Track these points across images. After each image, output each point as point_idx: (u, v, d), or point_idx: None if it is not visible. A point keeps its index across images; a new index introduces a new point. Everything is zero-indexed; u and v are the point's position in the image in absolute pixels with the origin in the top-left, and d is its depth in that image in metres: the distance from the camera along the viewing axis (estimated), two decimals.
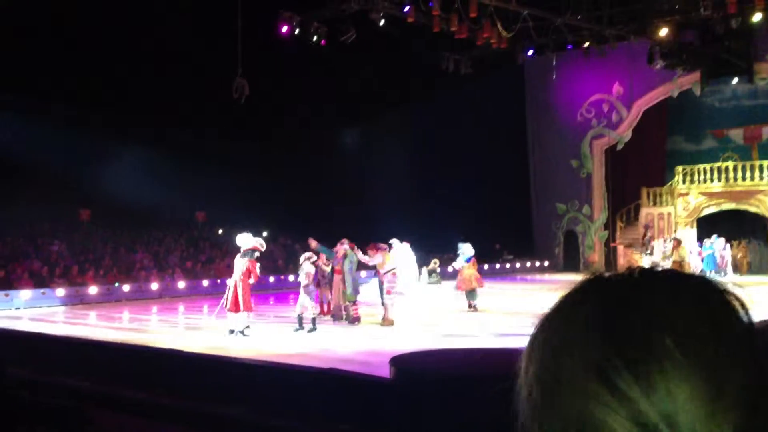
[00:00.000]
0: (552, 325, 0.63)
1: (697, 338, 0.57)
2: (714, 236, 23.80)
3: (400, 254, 14.29)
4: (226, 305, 11.85)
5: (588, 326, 0.59)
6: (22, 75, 19.46)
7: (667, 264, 20.19)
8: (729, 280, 22.18)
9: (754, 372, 0.57)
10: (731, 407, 0.56)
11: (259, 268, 12.14)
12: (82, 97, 20.46)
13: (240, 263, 11.83)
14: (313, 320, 12.36)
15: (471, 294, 15.38)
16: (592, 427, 0.57)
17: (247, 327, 11.92)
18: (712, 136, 28.39)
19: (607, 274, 0.65)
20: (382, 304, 13.46)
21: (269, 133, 23.99)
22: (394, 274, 13.40)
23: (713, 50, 21.66)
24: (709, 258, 22.66)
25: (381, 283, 13.57)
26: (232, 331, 11.82)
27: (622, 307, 0.59)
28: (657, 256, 21.51)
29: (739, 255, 25.23)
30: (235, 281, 11.74)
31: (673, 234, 23.60)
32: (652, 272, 0.64)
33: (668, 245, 20.63)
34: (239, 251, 12.01)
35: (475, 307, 15.35)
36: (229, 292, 11.77)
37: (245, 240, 12.05)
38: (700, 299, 0.60)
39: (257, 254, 12.02)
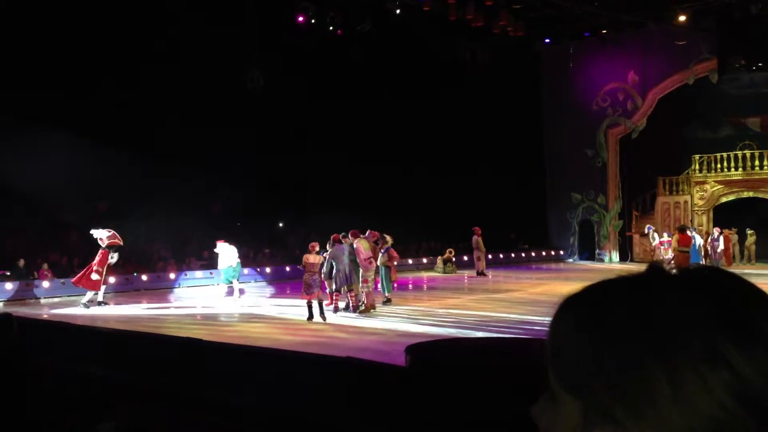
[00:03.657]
0: (628, 316, 0.64)
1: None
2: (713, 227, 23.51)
3: (225, 252, 15.62)
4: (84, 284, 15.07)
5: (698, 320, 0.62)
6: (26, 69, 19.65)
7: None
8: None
9: None
10: None
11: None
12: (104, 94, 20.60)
13: (100, 252, 15.16)
14: (310, 309, 12.52)
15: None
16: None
17: (91, 302, 15.03)
18: (730, 124, 28.11)
19: (674, 271, 0.68)
20: (349, 291, 13.54)
21: (284, 125, 24.04)
22: (370, 262, 13.48)
23: (731, 36, 21.41)
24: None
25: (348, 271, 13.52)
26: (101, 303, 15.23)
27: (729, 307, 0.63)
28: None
29: (748, 243, 24.87)
30: (92, 264, 15.09)
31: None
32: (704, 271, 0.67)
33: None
34: (98, 242, 15.27)
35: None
36: (87, 272, 15.08)
37: (101, 234, 15.32)
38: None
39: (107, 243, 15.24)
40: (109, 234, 15.43)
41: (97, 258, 15.19)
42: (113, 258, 15.53)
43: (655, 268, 0.68)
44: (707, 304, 0.63)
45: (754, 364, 0.60)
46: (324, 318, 12.48)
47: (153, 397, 8.01)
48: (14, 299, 16.36)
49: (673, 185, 27.48)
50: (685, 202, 26.88)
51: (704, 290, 0.64)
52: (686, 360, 0.61)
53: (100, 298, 15.44)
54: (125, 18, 20.34)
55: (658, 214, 27.38)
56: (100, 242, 15.37)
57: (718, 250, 20.82)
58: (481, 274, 21.70)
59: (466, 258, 25.88)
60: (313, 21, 20.24)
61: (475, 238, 21.72)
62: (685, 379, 0.60)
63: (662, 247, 21.66)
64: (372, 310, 13.39)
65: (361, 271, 13.40)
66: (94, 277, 15.08)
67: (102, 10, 19.98)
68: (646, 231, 23.85)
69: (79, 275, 15.40)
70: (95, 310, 14.76)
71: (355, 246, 13.44)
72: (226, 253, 16.06)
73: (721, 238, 21.73)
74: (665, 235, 22.31)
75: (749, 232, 24.97)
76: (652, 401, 0.61)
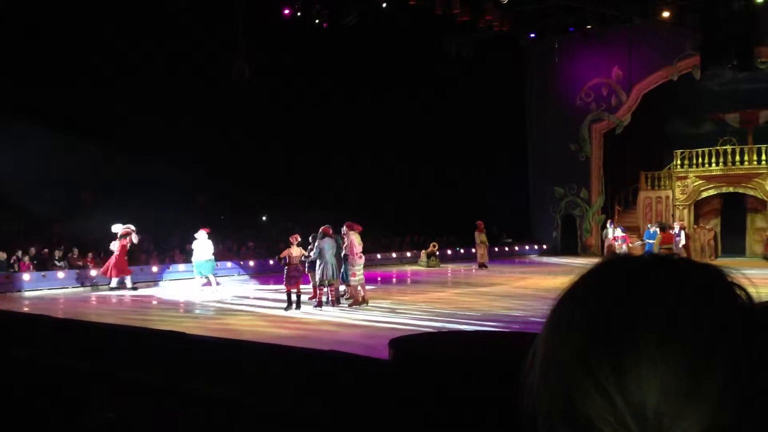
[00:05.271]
0: (558, 309, 0.63)
1: (681, 332, 0.56)
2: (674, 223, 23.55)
3: (203, 244, 15.95)
4: (108, 274, 16.97)
5: (585, 313, 0.60)
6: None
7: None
8: None
9: (746, 366, 0.56)
10: (709, 404, 0.55)
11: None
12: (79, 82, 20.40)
13: (115, 243, 16.89)
14: (289, 299, 12.92)
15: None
16: (573, 413, 0.58)
17: (129, 286, 17.06)
18: (711, 119, 28.41)
19: (619, 258, 0.65)
20: (347, 285, 13.68)
21: (270, 117, 23.95)
22: (360, 256, 13.56)
23: (713, 33, 21.57)
24: (648, 247, 19.94)
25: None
26: (113, 289, 16.89)
27: (619, 297, 0.59)
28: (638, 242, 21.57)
29: (708, 239, 24.97)
30: (114, 256, 16.88)
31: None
32: (661, 260, 0.63)
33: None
34: (115, 236, 17.00)
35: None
36: (110, 263, 16.98)
37: (117, 228, 17.09)
38: (698, 290, 0.59)
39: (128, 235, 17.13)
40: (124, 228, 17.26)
41: (118, 249, 16.99)
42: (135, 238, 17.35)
43: (601, 263, 0.66)
44: (599, 311, 0.60)
45: (623, 393, 0.56)
46: (299, 307, 12.75)
47: (137, 389, 8.01)
48: None
49: (654, 180, 27.73)
50: (667, 196, 27.14)
51: (606, 292, 0.61)
52: (578, 384, 0.58)
53: (129, 284, 17.22)
54: (109, 7, 20.15)
55: (640, 208, 27.61)
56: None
57: (680, 245, 20.83)
58: (480, 266, 22.11)
59: (449, 252, 25.99)
60: (299, 14, 20.17)
61: (476, 232, 22.16)
62: (574, 404, 0.58)
63: (616, 243, 21.78)
64: (364, 304, 13.44)
65: (351, 264, 13.40)
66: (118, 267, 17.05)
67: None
68: (608, 225, 23.94)
69: (105, 266, 17.28)
70: (78, 301, 14.69)
71: (349, 239, 13.45)
72: (204, 245, 16.07)
73: (683, 233, 21.77)
74: (619, 230, 22.39)
75: (707, 227, 25.15)
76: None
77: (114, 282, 17.06)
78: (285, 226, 24.17)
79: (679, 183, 26.81)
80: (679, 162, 26.87)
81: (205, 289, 16.06)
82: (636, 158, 27.44)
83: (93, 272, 18.31)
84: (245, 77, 18.92)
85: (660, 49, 25.63)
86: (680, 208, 26.70)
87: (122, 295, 16.37)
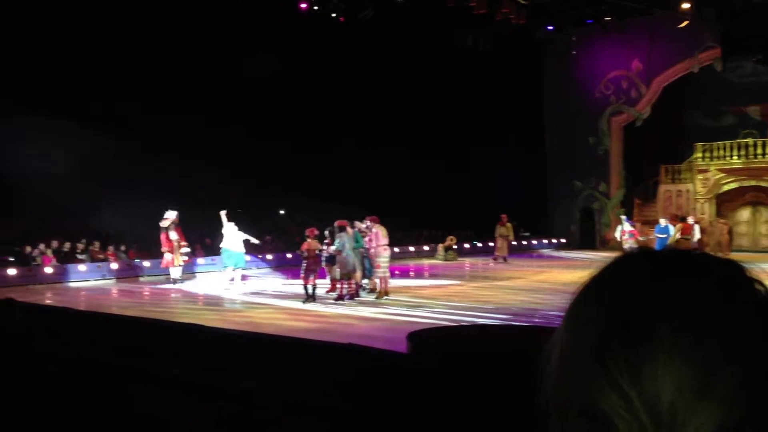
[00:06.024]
0: (575, 305, 0.63)
1: (698, 328, 0.56)
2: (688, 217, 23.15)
3: (234, 234, 15.88)
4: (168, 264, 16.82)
5: (601, 309, 0.60)
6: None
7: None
8: None
9: (762, 363, 0.55)
10: (723, 401, 0.54)
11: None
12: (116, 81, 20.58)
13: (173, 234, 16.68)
14: (307, 292, 13.26)
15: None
16: (588, 408, 0.58)
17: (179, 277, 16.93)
18: (732, 112, 28.07)
19: (637, 254, 0.64)
20: (369, 278, 14.04)
21: (285, 113, 24.02)
22: (385, 248, 13.67)
23: (732, 26, 21.28)
24: (659, 242, 19.33)
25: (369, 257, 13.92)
26: (174, 281, 16.70)
27: (635, 293, 0.59)
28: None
29: (722, 232, 24.58)
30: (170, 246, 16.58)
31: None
32: (679, 255, 0.62)
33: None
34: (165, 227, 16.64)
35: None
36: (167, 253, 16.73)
37: (170, 214, 16.77)
38: (717, 286, 0.58)
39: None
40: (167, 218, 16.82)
41: (163, 239, 16.77)
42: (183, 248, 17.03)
43: (619, 258, 0.66)
44: (616, 307, 0.60)
45: (638, 389, 0.56)
46: (314, 299, 13.11)
47: (162, 382, 8.10)
48: (17, 285, 16.45)
49: (675, 173, 27.48)
50: (688, 190, 26.88)
51: (623, 287, 0.61)
52: (593, 380, 0.58)
53: (173, 276, 16.81)
54: (120, 2, 20.30)
55: (660, 202, 27.39)
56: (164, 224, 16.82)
57: (694, 239, 20.49)
58: (496, 259, 22.28)
59: (467, 245, 25.96)
60: (315, 8, 20.20)
61: (498, 225, 22.28)
62: (590, 400, 0.58)
63: (624, 237, 21.53)
64: (386, 296, 13.59)
65: (375, 256, 13.63)
66: (167, 257, 16.75)
67: None
68: (622, 219, 23.53)
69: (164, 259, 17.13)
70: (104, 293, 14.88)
71: (373, 231, 13.70)
72: (235, 236, 16.07)
73: (696, 227, 21.44)
74: (627, 224, 22.16)
75: (722, 221, 24.79)
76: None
77: (176, 275, 16.91)
78: (302, 220, 24.30)
79: (700, 176, 26.55)
80: (700, 155, 26.61)
81: (229, 284, 16.10)
82: (656, 151, 27.19)
83: (114, 265, 18.51)
84: (263, 73, 19.02)
85: (680, 41, 25.36)
86: (701, 201, 26.44)
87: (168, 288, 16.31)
